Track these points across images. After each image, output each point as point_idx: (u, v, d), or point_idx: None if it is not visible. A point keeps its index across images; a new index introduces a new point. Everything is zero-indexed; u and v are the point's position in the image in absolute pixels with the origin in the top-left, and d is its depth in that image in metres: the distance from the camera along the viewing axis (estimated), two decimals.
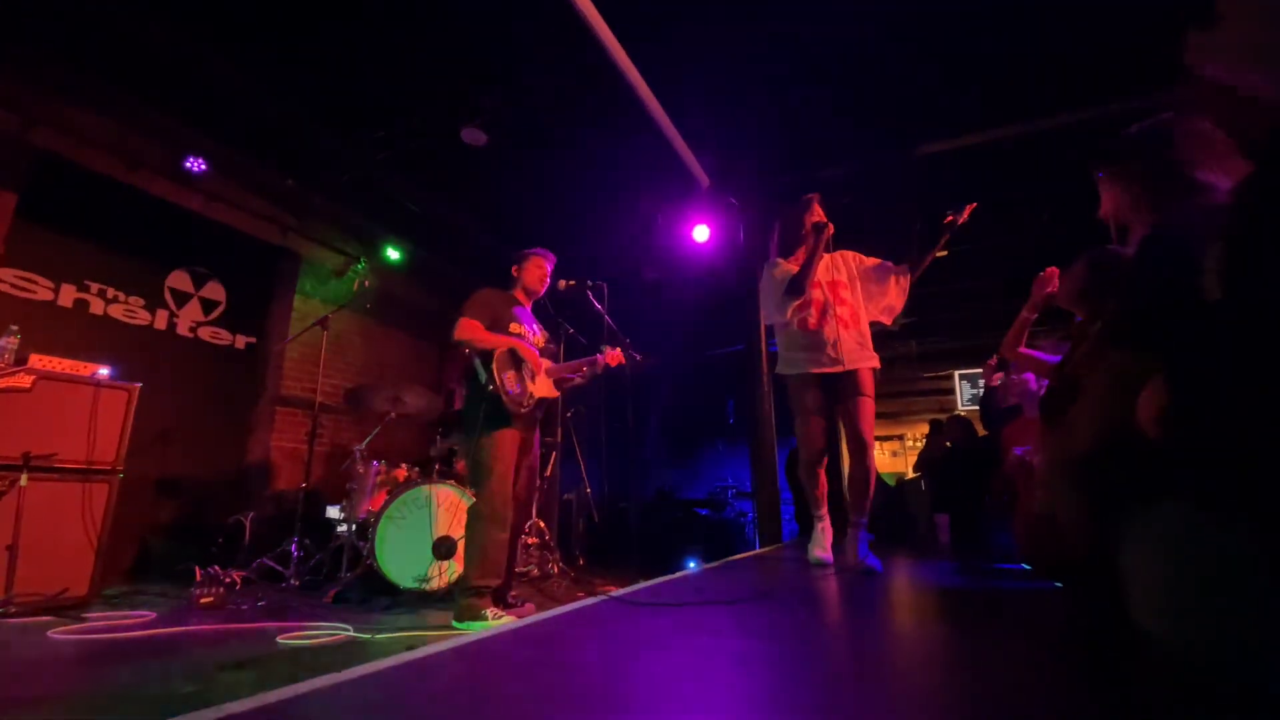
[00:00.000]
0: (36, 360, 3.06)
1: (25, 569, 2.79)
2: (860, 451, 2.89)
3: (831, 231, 2.97)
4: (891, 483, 7.50)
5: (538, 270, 3.15)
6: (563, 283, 3.24)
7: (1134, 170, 1.45)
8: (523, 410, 2.83)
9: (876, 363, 2.98)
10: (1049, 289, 2.54)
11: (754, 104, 4.09)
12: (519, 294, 3.14)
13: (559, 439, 4.57)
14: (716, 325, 7.24)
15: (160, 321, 4.70)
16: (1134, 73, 3.80)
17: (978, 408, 8.28)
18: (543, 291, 3.19)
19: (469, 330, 2.83)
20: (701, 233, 5.39)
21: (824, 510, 3.06)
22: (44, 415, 2.99)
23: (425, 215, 5.51)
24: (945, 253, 6.25)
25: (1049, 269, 2.56)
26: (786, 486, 5.98)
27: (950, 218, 2.97)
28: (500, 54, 3.66)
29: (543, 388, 2.98)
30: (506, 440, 2.76)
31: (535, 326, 3.13)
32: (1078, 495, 1.35)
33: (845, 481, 2.92)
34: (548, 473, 4.36)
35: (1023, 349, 2.77)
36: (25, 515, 2.82)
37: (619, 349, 3.27)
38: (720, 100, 4.05)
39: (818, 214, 3.09)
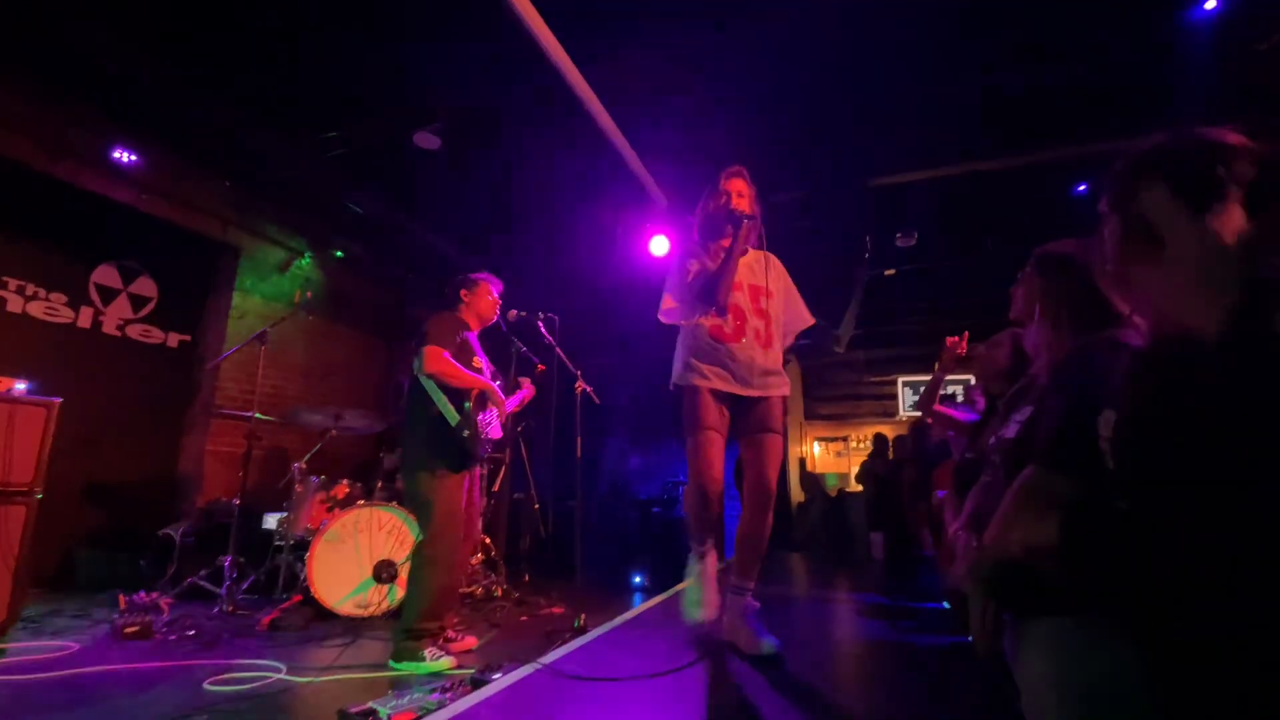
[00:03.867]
0: None
1: None
2: (760, 503, 2.33)
3: (753, 221, 2.43)
4: (832, 490, 7.76)
5: (489, 298, 3.00)
6: (513, 313, 3.18)
7: (1063, 287, 1.50)
8: (484, 454, 2.80)
9: (788, 389, 2.49)
10: (959, 352, 2.69)
11: (709, 129, 4.09)
12: (470, 319, 2.97)
13: (507, 458, 4.55)
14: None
15: (84, 319, 4.45)
16: (1078, 117, 3.98)
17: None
18: (494, 320, 3.09)
19: (440, 362, 2.57)
20: (660, 244, 5.39)
21: (710, 544, 2.32)
22: None
23: (373, 214, 5.33)
24: (894, 271, 6.51)
25: (953, 338, 2.74)
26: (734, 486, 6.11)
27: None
28: (455, 70, 3.55)
29: (499, 428, 2.94)
30: (460, 483, 2.69)
31: (485, 358, 3.02)
32: (983, 600, 1.43)
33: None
34: (495, 488, 4.35)
35: (938, 406, 2.89)
36: None
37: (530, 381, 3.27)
38: (677, 125, 4.04)
39: (741, 190, 2.49)
